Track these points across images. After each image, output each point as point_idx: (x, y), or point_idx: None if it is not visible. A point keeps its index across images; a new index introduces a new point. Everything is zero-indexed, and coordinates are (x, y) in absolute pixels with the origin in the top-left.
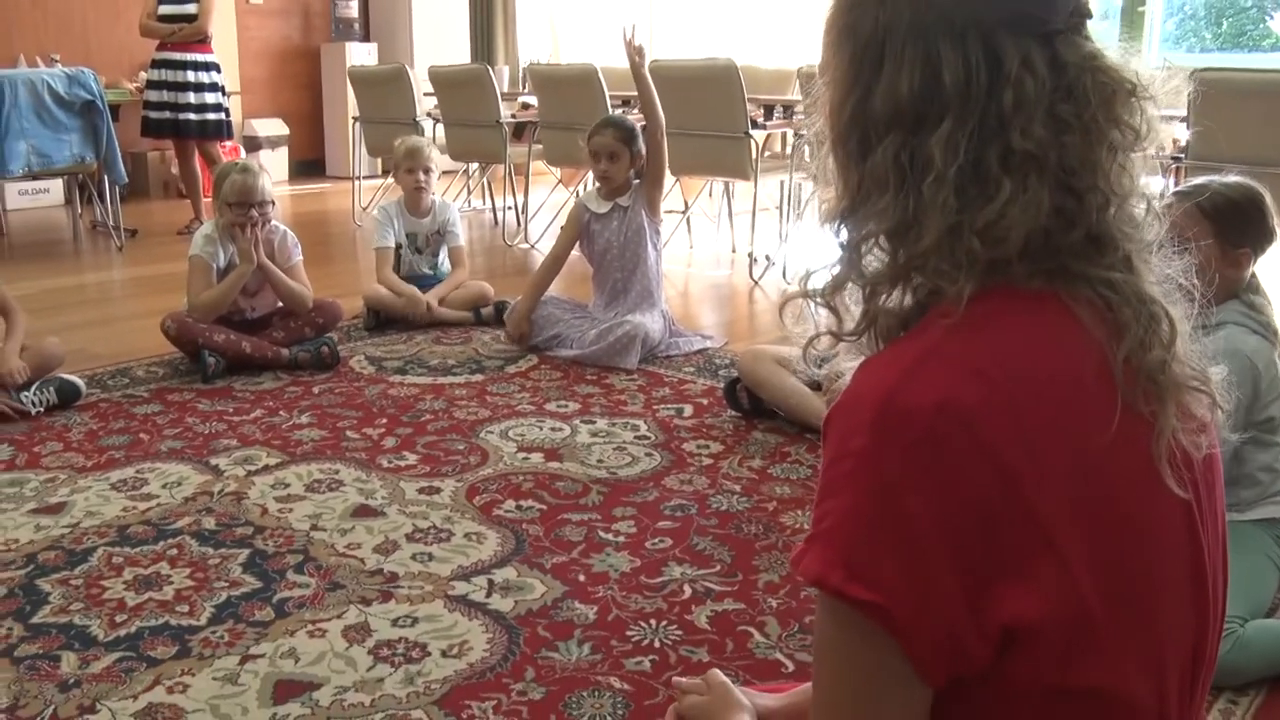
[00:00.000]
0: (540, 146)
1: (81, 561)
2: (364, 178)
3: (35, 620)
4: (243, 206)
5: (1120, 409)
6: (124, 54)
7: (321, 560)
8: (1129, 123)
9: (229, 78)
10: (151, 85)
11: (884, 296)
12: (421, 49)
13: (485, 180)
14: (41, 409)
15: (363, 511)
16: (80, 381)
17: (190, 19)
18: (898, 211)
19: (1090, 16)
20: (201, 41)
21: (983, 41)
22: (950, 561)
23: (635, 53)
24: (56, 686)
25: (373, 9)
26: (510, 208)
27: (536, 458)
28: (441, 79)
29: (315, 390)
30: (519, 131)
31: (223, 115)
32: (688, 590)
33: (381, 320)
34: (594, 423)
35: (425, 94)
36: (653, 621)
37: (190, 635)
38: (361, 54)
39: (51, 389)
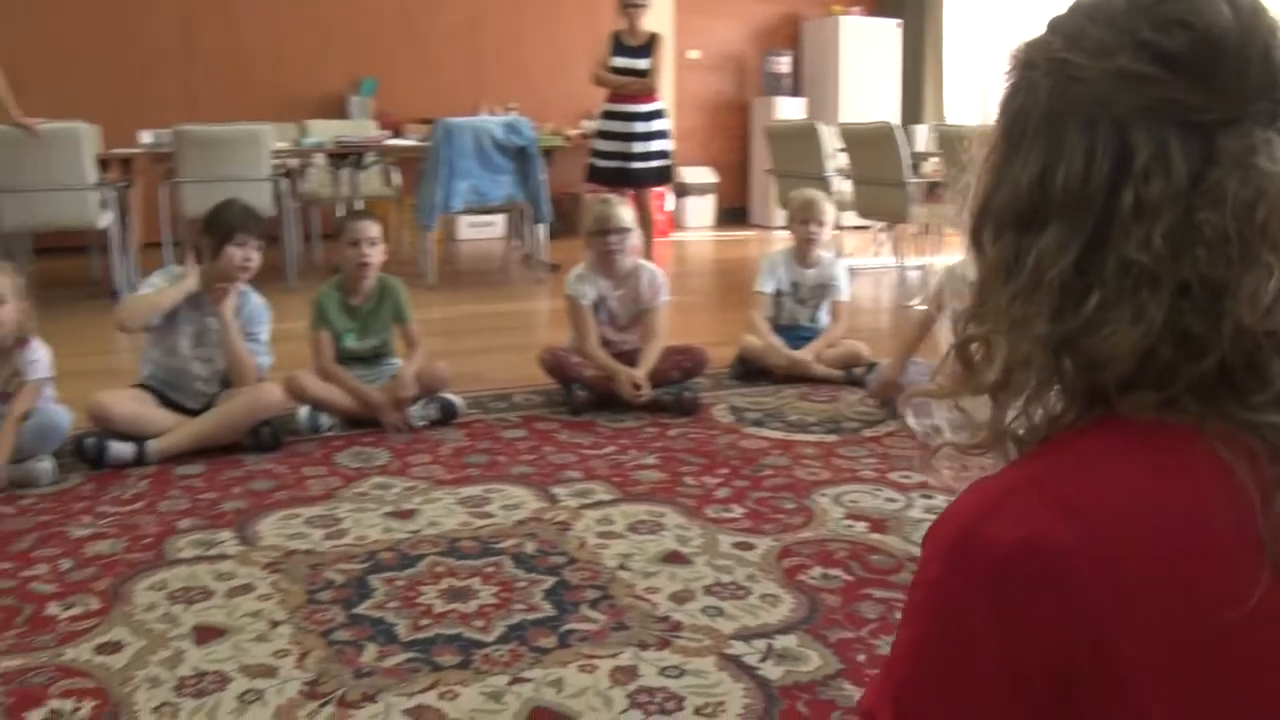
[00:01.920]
0: (947, 208)
1: (410, 566)
2: (780, 229)
3: (356, 611)
4: (603, 234)
5: (1267, 578)
6: (570, 103)
7: (617, 599)
8: None
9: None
10: (602, 135)
11: (1008, 413)
12: (848, 105)
13: (893, 238)
14: (424, 423)
15: (673, 558)
16: (460, 401)
17: (641, 74)
18: (1000, 319)
19: None
20: (653, 93)
21: (1115, 131)
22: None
23: None
24: (353, 672)
25: (804, 65)
26: (917, 268)
27: (861, 527)
28: (852, 136)
29: (670, 433)
30: (934, 190)
31: (668, 162)
32: None
33: (751, 371)
34: (933, 498)
35: (839, 149)
36: None
37: (475, 649)
38: (790, 108)
39: (435, 406)
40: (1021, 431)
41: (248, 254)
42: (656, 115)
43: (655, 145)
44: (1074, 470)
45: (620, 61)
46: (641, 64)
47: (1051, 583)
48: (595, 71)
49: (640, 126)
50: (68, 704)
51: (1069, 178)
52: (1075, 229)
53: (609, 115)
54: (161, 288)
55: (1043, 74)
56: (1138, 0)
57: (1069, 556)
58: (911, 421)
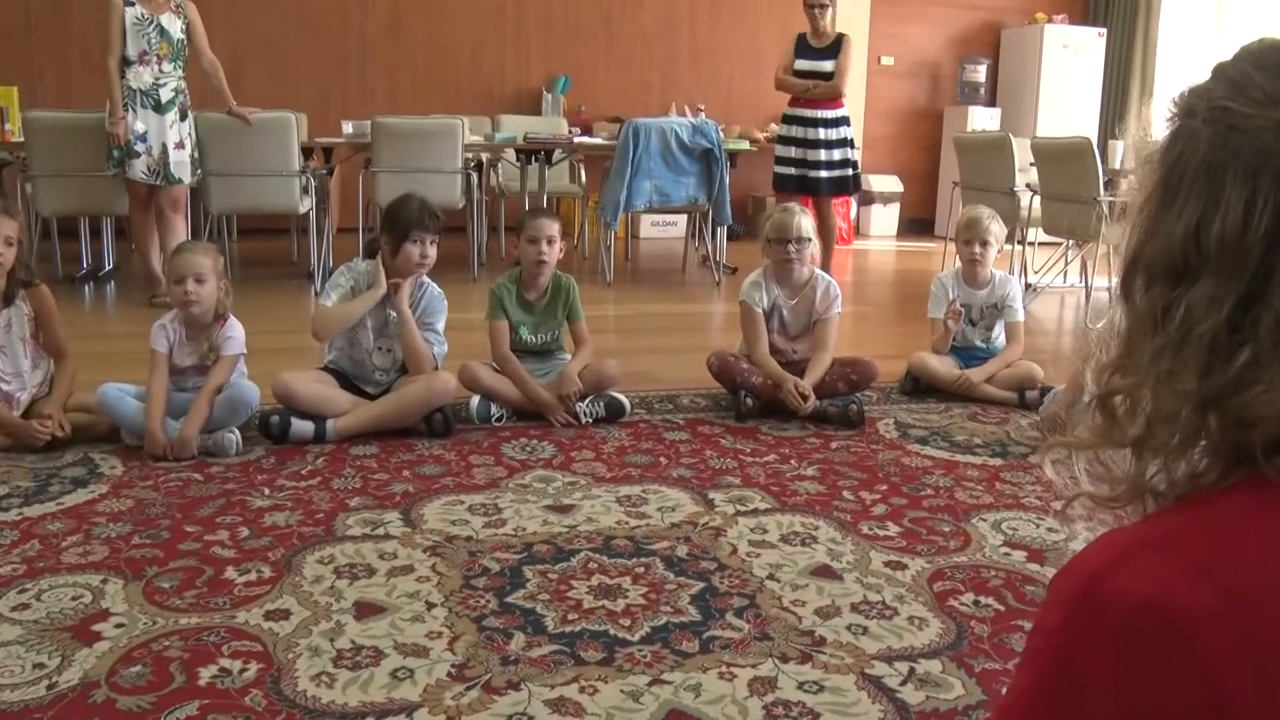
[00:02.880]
0: None
1: (564, 560)
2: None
3: (508, 599)
4: (782, 243)
5: None
6: (760, 106)
7: (763, 609)
8: None
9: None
10: (782, 140)
11: (1149, 467)
12: (1047, 117)
13: (1080, 258)
14: (590, 420)
15: (822, 572)
16: (626, 401)
17: (826, 76)
18: (1145, 373)
19: None
20: (834, 98)
21: (1278, 183)
22: None
23: None
24: (500, 659)
25: (1001, 74)
26: (1106, 289)
27: (1018, 556)
28: (1044, 150)
29: (832, 445)
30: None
31: (850, 171)
32: None
33: (921, 387)
34: (1097, 531)
35: (1031, 163)
36: None
37: (620, 647)
38: (985, 119)
39: (601, 404)
40: (1162, 487)
41: (424, 250)
42: (842, 122)
43: (838, 154)
44: (1210, 529)
45: (803, 64)
46: (826, 66)
47: (1175, 644)
48: (777, 75)
49: (823, 133)
50: (236, 664)
51: (1226, 230)
52: (1229, 283)
53: (789, 120)
54: (345, 287)
55: (1203, 122)
56: None
57: (1196, 619)
58: (1049, 471)
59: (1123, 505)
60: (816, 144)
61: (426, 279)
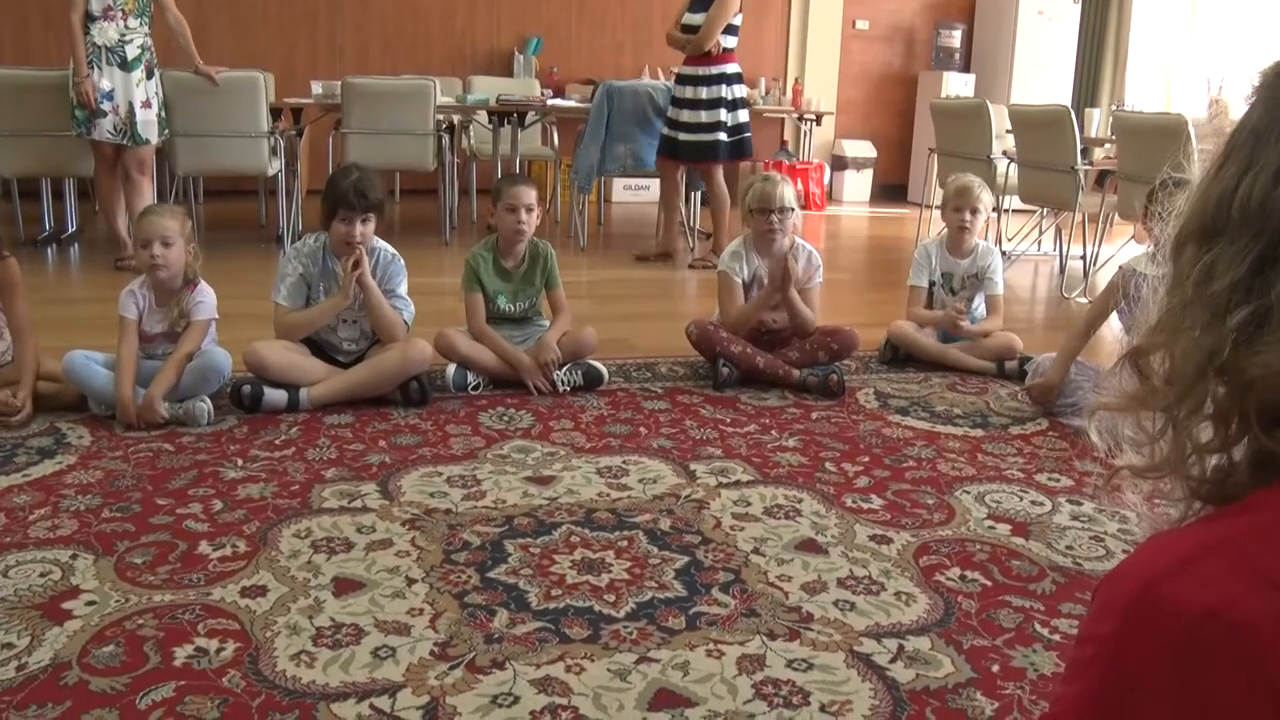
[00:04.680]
0: (1115, 198)
1: (546, 534)
2: (937, 208)
3: (491, 575)
4: (764, 213)
5: None
6: None
7: (749, 584)
8: None
9: (826, 99)
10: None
11: (1185, 441)
12: (1021, 84)
13: (1055, 226)
14: (567, 388)
15: (807, 545)
16: (604, 369)
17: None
18: (1167, 330)
19: None
20: (709, 55)
21: None
22: None
23: None
24: (483, 637)
25: (976, 40)
26: (1080, 258)
27: (1003, 529)
28: (1023, 118)
29: (813, 416)
30: (1103, 179)
31: (719, 136)
32: None
33: (900, 356)
34: (1080, 504)
35: (1008, 130)
36: None
37: (605, 624)
38: (959, 84)
39: (579, 372)
40: (1195, 471)
41: (351, 231)
42: (715, 80)
43: (705, 115)
44: (1271, 534)
45: (688, 18)
46: (698, 19)
47: (1239, 656)
48: (668, 32)
49: (689, 91)
50: (212, 644)
51: (1253, 191)
52: (1249, 244)
53: (678, 80)
54: (294, 276)
55: (1263, 88)
56: None
57: (1260, 629)
58: (1094, 436)
59: (1162, 475)
60: (681, 104)
61: (380, 243)
